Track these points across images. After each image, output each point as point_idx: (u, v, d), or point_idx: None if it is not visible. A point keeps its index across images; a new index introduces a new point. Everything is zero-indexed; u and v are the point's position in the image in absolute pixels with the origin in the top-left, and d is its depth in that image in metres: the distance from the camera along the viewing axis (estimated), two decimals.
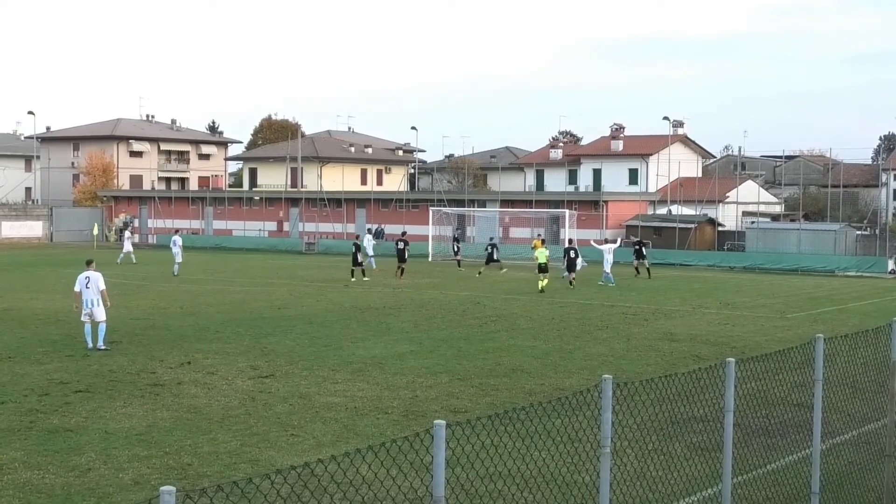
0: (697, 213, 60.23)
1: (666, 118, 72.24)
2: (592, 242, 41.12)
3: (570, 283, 37.22)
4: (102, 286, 20.43)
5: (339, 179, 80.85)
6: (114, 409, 14.36)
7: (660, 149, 71.84)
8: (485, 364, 18.85)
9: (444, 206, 61.04)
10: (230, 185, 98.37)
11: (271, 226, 72.75)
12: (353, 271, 40.01)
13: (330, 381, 16.89)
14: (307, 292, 33.77)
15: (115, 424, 13.37)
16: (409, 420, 13.81)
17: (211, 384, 16.44)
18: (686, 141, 76.58)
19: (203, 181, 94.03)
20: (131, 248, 51.16)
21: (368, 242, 47.95)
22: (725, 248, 57.07)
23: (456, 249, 50.67)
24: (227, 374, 17.36)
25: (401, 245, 42.45)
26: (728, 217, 61.65)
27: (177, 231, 49.55)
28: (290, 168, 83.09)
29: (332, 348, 20.62)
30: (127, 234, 54.44)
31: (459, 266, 48.32)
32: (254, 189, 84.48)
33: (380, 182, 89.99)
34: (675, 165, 66.56)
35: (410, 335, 22.94)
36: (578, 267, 38.48)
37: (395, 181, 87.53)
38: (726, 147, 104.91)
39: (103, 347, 19.94)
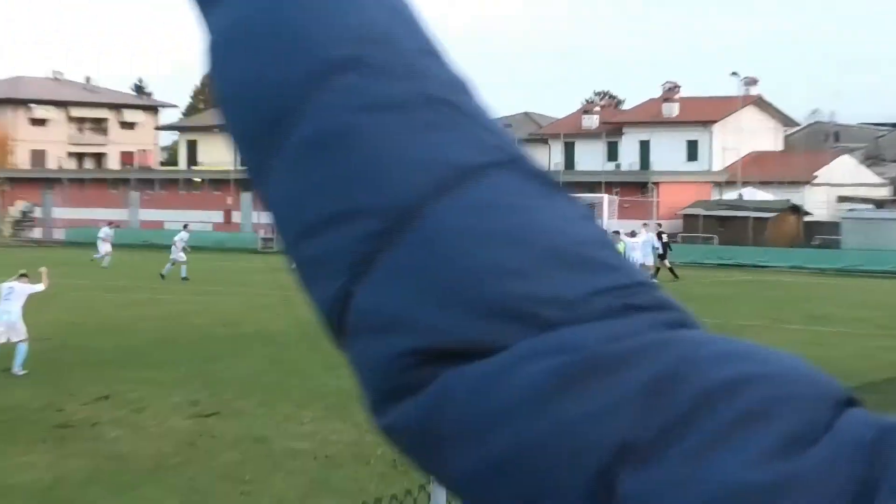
0: (777, 198, 60.27)
1: (734, 74, 72.29)
2: (623, 236, 41.16)
3: None
4: (33, 290, 21.65)
5: None
6: (10, 458, 14.34)
7: (727, 114, 71.87)
8: None
9: None
10: (162, 163, 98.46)
11: (216, 216, 72.78)
12: None
13: (294, 420, 16.87)
14: (265, 303, 33.73)
15: (10, 478, 13.36)
16: (398, 472, 13.76)
17: (137, 424, 16.44)
18: (761, 104, 76.63)
19: (127, 157, 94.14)
20: (110, 250, 50.83)
21: None
22: (814, 243, 57.08)
23: None
24: (159, 412, 17.35)
25: None
26: (817, 203, 61.69)
27: (185, 226, 49.24)
28: None
29: (297, 377, 20.59)
30: (106, 230, 53.09)
31: None
32: (193, 168, 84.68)
33: None
34: (747, 136, 66.61)
35: None
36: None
37: None
38: (814, 112, 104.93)
39: (21, 372, 20.56)
